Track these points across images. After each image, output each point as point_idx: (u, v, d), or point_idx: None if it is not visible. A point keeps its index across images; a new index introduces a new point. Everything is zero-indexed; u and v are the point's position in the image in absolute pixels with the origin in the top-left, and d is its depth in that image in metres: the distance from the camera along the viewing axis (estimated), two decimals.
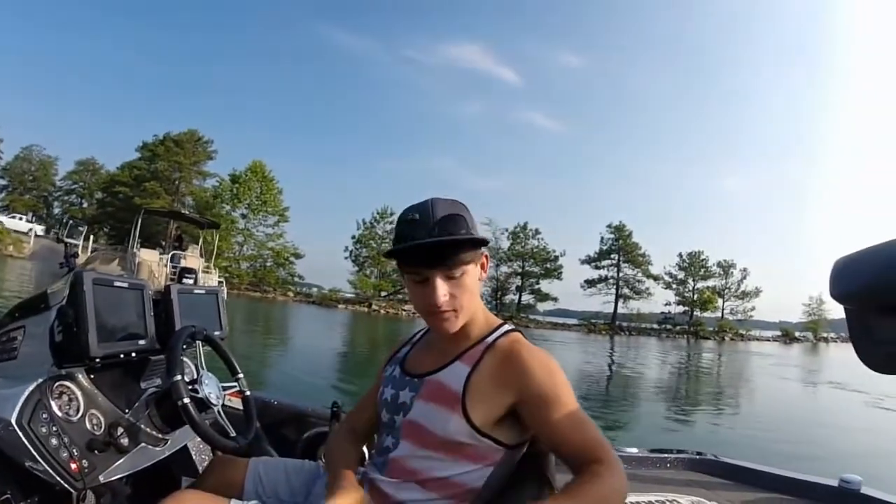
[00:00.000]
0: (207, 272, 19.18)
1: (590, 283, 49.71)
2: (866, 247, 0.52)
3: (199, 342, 1.61)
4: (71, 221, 1.69)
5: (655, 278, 49.54)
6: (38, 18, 70.34)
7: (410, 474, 1.05)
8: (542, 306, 50.25)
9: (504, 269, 47.85)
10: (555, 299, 49.92)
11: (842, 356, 31.30)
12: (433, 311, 1.04)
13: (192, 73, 78.36)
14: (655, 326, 49.04)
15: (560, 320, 50.11)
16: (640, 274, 49.25)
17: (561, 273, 48.38)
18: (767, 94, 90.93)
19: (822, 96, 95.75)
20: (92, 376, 1.45)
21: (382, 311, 40.06)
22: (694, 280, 50.08)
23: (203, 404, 1.44)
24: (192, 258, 18.64)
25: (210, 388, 1.49)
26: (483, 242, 1.06)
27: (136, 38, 78.19)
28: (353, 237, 45.96)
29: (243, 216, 43.23)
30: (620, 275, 49.00)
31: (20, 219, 37.39)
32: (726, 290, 50.06)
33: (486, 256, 1.10)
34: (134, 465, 1.42)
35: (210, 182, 48.29)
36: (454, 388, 1.03)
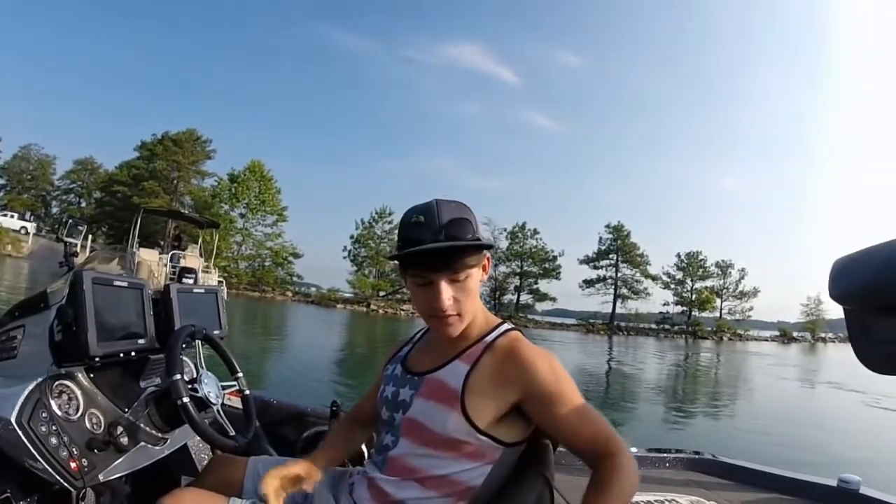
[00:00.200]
0: (207, 272, 19.13)
1: (588, 283, 49.83)
2: (865, 247, 0.52)
3: (199, 341, 1.61)
4: (71, 221, 1.67)
5: (654, 278, 49.67)
6: (38, 18, 70.25)
7: (410, 472, 1.05)
8: (540, 306, 50.37)
9: (503, 268, 47.90)
10: (553, 299, 50.09)
11: (840, 356, 31.35)
12: (437, 314, 1.04)
13: (191, 73, 78.63)
14: (654, 326, 49.11)
15: (558, 320, 50.14)
16: (638, 274, 49.36)
17: (559, 273, 48.52)
18: (766, 94, 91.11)
19: (822, 96, 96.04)
20: (91, 375, 1.45)
21: (381, 311, 40.04)
22: (692, 280, 50.13)
23: (202, 403, 1.44)
24: (191, 258, 18.60)
25: (209, 388, 1.49)
26: (489, 247, 1.06)
27: (135, 37, 78.24)
28: (352, 237, 46.00)
29: (242, 216, 43.19)
30: (619, 275, 49.11)
31: (12, 216, 37.33)
32: (724, 291, 50.13)
33: (489, 258, 1.10)
34: (133, 464, 1.42)
35: (209, 181, 48.31)
36: (453, 386, 1.03)
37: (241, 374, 1.63)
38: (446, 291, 1.02)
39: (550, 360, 1.03)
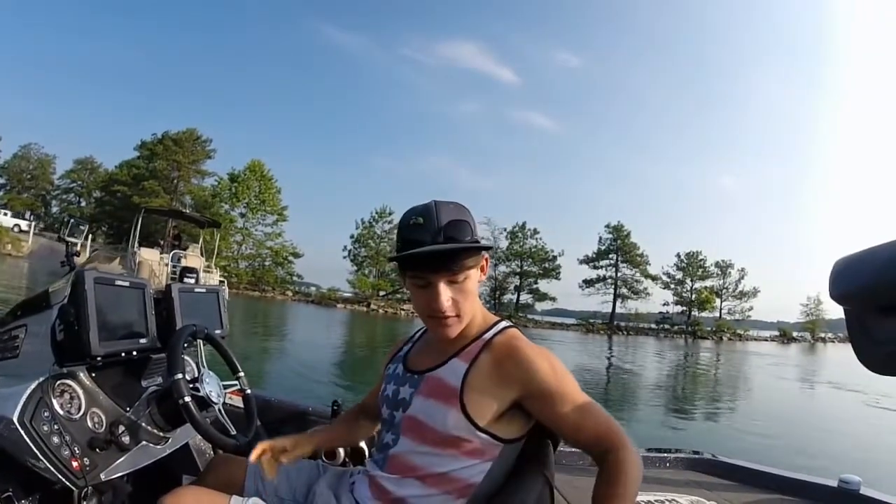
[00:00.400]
0: (208, 271, 19.12)
1: (588, 282, 49.78)
2: (866, 248, 0.52)
3: (200, 341, 1.61)
4: (72, 220, 1.66)
5: (653, 278, 49.63)
6: (38, 18, 70.22)
7: (411, 470, 1.06)
8: (540, 306, 50.35)
9: (502, 268, 47.90)
10: (553, 299, 50.06)
11: (839, 356, 31.37)
12: (435, 315, 1.05)
13: (191, 72, 78.39)
14: (653, 326, 49.10)
15: (558, 320, 50.12)
16: (638, 274, 49.31)
17: (559, 273, 48.47)
18: (766, 95, 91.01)
19: (822, 96, 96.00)
20: (93, 375, 1.45)
21: (381, 311, 40.03)
22: (692, 280, 50.10)
23: (204, 403, 1.44)
24: (192, 257, 18.57)
25: (211, 387, 1.49)
26: (487, 249, 1.07)
27: (135, 37, 78.19)
28: (352, 237, 45.94)
29: (242, 215, 43.13)
30: (619, 275, 49.05)
31: (5, 214, 37.36)
32: (724, 291, 50.09)
33: (487, 259, 1.11)
34: (135, 463, 1.43)
35: (209, 181, 48.21)
36: (452, 384, 1.04)
37: (242, 374, 1.63)
38: (445, 293, 1.02)
39: (549, 357, 1.04)
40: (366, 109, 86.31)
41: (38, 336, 1.40)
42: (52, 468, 1.19)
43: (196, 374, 1.53)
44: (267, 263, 43.59)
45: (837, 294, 0.54)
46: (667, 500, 1.90)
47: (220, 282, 19.05)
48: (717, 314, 50.01)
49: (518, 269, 48.22)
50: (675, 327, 48.58)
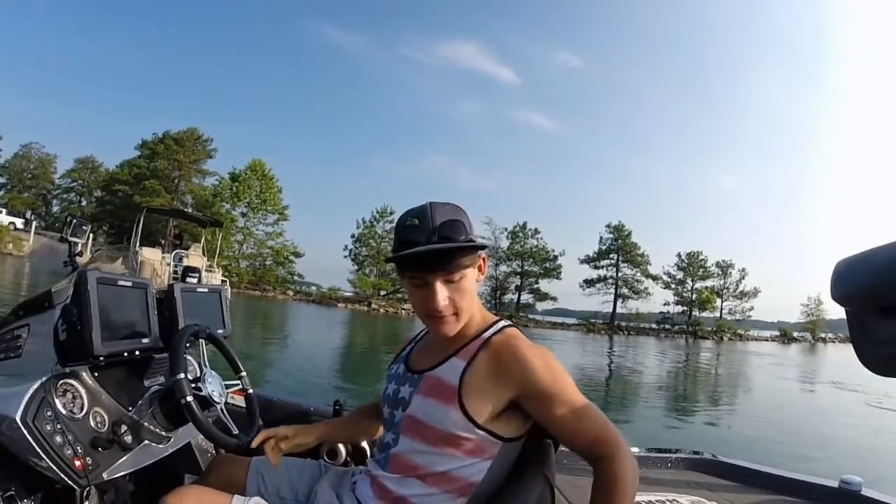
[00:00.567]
0: (211, 271, 19.11)
1: (589, 282, 49.76)
2: (867, 249, 0.52)
3: (202, 340, 1.61)
4: (75, 220, 1.66)
5: (654, 278, 49.58)
6: (39, 18, 70.27)
7: (412, 469, 1.06)
8: (541, 306, 50.31)
9: (503, 268, 47.88)
10: (554, 299, 49.99)
11: (840, 356, 31.34)
12: (433, 314, 1.05)
13: (191, 72, 78.41)
14: (654, 326, 49.04)
15: (559, 320, 50.04)
16: (638, 274, 49.25)
17: (560, 273, 48.41)
18: (766, 95, 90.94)
19: (822, 96, 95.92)
20: (96, 374, 1.46)
21: (382, 310, 40.03)
22: (692, 280, 50.06)
23: (206, 402, 1.44)
24: (195, 257, 18.53)
25: (213, 386, 1.49)
26: (482, 248, 1.08)
27: (135, 37, 78.24)
28: (353, 236, 45.93)
29: (243, 215, 43.13)
30: (619, 275, 49.01)
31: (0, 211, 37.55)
32: (725, 291, 50.05)
33: (484, 258, 1.12)
34: (137, 463, 1.43)
35: (210, 181, 48.23)
36: (451, 383, 1.05)
37: (244, 373, 1.63)
38: (441, 292, 1.03)
39: (546, 357, 1.03)
40: (366, 109, 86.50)
41: (41, 336, 1.41)
42: (54, 467, 1.20)
43: (198, 374, 1.53)
44: (268, 263, 43.58)
45: (839, 295, 0.54)
46: (667, 500, 1.90)
47: (223, 281, 19.06)
48: (718, 314, 49.99)
49: (519, 269, 48.18)
50: (676, 327, 48.54)
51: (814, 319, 50.84)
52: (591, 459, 0.98)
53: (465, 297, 1.06)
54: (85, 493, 1.33)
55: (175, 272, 16.28)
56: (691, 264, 50.13)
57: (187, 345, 1.44)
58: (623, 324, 47.84)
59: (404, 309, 38.90)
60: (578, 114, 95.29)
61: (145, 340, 1.57)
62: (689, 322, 48.62)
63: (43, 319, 1.42)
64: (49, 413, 1.24)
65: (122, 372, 1.56)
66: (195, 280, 1.97)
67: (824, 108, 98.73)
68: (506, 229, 48.03)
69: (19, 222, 37.58)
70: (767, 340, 49.03)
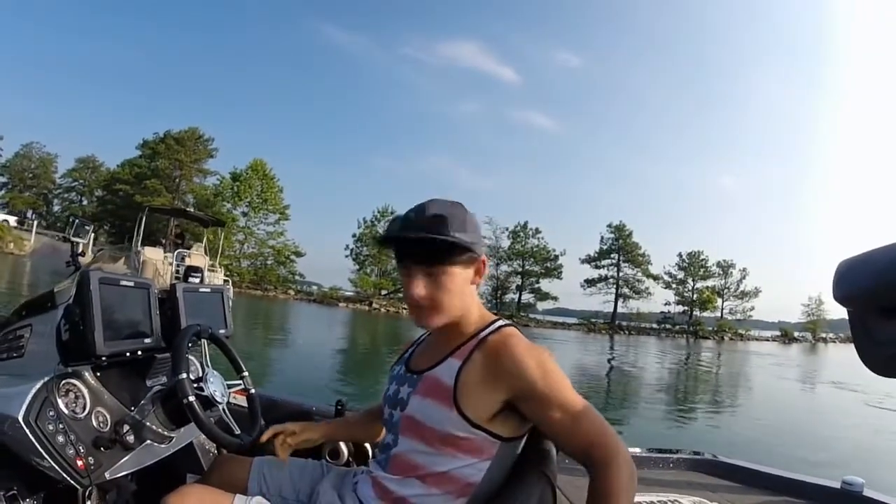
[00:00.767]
0: (213, 270, 19.10)
1: (590, 282, 49.77)
2: (869, 249, 0.53)
3: (204, 340, 1.61)
4: (77, 221, 1.66)
5: (655, 278, 49.59)
6: (38, 18, 70.36)
7: (412, 469, 1.06)
8: (541, 305, 50.36)
9: (504, 268, 47.88)
10: (555, 298, 50.00)
11: (841, 356, 31.29)
12: (409, 302, 1.08)
13: (191, 72, 78.42)
14: (655, 326, 49.01)
15: (560, 319, 49.99)
16: (639, 273, 49.26)
17: (561, 272, 48.43)
18: (766, 95, 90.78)
19: (822, 96, 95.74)
20: (98, 374, 1.46)
21: (383, 310, 40.02)
22: (693, 280, 50.06)
23: (208, 402, 1.44)
24: (197, 256, 18.52)
25: (215, 386, 1.49)
26: (465, 249, 1.04)
27: (135, 37, 78.26)
28: (354, 235, 45.94)
29: (244, 214, 43.17)
30: (620, 274, 49.04)
31: None
32: (726, 290, 50.05)
33: (483, 262, 1.10)
34: (139, 462, 1.43)
35: (211, 180, 48.29)
36: (447, 383, 1.05)
37: (246, 373, 1.63)
38: (418, 282, 1.05)
39: (541, 357, 1.01)
40: (366, 109, 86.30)
41: (44, 336, 1.41)
42: (56, 467, 1.20)
43: (200, 374, 1.53)
44: (269, 262, 43.62)
45: (841, 295, 0.54)
46: (668, 500, 1.90)
47: (225, 281, 19.02)
48: (719, 314, 49.99)
49: (520, 269, 48.20)
50: (677, 327, 48.52)
51: (814, 319, 50.82)
52: (588, 464, 0.95)
53: (445, 294, 1.05)
54: (87, 493, 1.33)
55: (177, 272, 16.29)
56: (692, 264, 50.12)
57: (189, 345, 1.45)
58: (624, 323, 47.81)
59: (405, 308, 38.42)
60: (579, 114, 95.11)
61: (147, 340, 1.57)
62: (690, 322, 48.60)
63: (45, 319, 1.43)
64: (51, 413, 1.25)
65: (125, 372, 1.56)
66: (198, 280, 1.97)
67: (824, 108, 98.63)
68: (506, 229, 48.13)
69: (12, 220, 37.46)
70: (768, 340, 49.01)
